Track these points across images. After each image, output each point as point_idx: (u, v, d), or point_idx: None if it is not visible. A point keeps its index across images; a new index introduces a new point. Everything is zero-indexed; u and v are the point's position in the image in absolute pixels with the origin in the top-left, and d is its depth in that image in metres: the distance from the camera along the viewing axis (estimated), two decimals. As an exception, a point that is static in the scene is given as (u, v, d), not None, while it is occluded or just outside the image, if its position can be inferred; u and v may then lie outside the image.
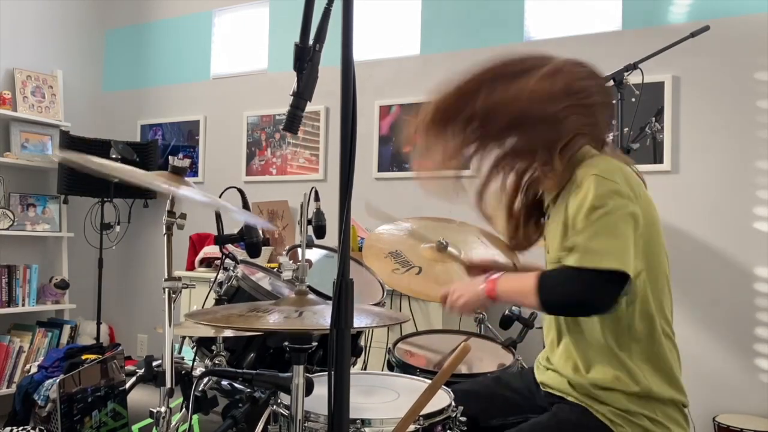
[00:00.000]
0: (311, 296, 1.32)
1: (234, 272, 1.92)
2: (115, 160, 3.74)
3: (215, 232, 1.77)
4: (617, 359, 1.40)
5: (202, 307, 2.28)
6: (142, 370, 1.44)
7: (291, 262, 2.07)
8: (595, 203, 1.32)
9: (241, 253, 2.10)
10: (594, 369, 1.43)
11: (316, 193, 2.04)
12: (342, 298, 0.96)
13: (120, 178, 1.26)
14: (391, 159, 3.50)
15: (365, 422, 1.30)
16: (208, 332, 1.80)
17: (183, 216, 1.43)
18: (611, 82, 2.40)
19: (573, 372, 1.46)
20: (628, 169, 1.42)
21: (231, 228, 1.69)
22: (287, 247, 2.37)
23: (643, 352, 1.41)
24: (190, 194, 1.36)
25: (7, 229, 3.76)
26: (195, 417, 1.66)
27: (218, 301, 1.90)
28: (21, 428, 2.67)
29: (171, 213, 1.40)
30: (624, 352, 1.40)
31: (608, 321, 1.40)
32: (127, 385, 1.80)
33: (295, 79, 1.08)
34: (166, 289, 1.37)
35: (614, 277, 1.28)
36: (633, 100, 2.55)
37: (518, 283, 1.43)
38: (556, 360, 1.52)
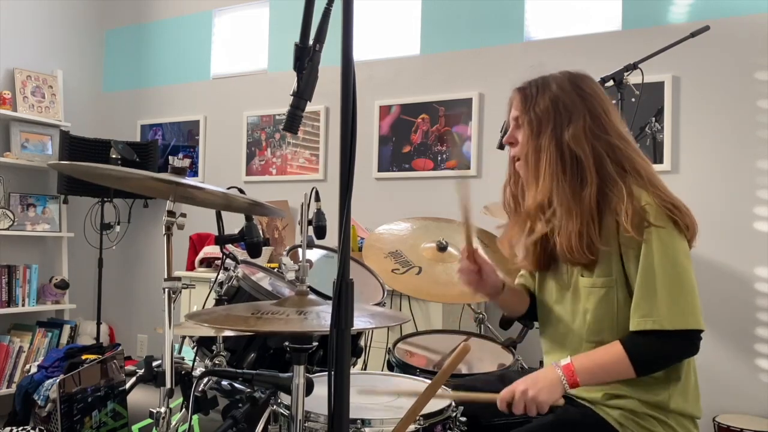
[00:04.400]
0: (312, 296, 1.32)
1: (234, 272, 1.92)
2: (115, 160, 3.74)
3: (215, 232, 1.77)
4: (637, 383, 1.41)
5: (203, 307, 2.28)
6: (142, 371, 1.44)
7: (292, 262, 2.07)
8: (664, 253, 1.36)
9: (241, 253, 2.11)
10: (612, 387, 1.43)
11: (317, 193, 2.04)
12: (342, 298, 0.95)
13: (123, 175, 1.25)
14: (391, 159, 3.50)
15: (365, 422, 1.30)
16: (208, 332, 1.80)
17: (183, 216, 1.43)
18: (611, 82, 2.40)
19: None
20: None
21: (231, 228, 1.69)
22: (288, 248, 2.37)
23: (667, 373, 1.41)
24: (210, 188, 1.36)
25: (7, 229, 3.76)
26: (195, 417, 1.66)
27: (218, 301, 1.90)
28: (21, 428, 2.67)
29: (171, 213, 1.40)
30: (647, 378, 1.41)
31: None
32: (127, 385, 1.80)
33: (295, 79, 1.08)
34: (166, 289, 1.37)
35: (697, 332, 1.37)
36: (633, 100, 2.54)
37: (603, 364, 1.40)
38: None
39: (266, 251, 3.26)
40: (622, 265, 1.43)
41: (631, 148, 1.48)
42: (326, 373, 0.98)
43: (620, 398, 1.42)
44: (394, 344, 2.13)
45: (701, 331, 1.37)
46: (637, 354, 1.37)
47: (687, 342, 1.37)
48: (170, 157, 1.48)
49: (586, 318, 1.48)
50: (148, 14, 4.44)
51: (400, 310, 2.76)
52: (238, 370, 1.47)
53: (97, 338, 3.98)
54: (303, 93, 1.08)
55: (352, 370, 1.69)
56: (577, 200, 1.44)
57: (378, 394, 1.50)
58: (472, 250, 1.59)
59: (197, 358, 1.94)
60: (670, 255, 1.36)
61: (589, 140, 1.44)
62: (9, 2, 3.96)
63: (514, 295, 1.72)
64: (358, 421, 1.29)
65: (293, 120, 1.09)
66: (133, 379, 1.69)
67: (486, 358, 2.08)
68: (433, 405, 1.35)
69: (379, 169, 3.52)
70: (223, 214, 1.69)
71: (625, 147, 1.48)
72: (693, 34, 2.44)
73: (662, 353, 1.38)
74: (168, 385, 1.33)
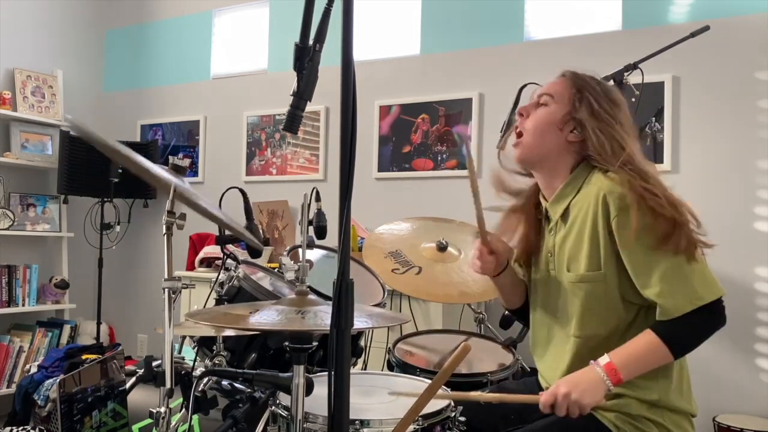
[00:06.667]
0: (312, 296, 1.32)
1: (235, 272, 1.92)
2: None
3: (216, 232, 1.77)
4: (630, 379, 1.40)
5: (204, 307, 2.28)
6: (142, 370, 1.43)
7: (292, 262, 2.07)
8: (660, 236, 1.37)
9: (241, 253, 2.11)
10: None
11: (317, 193, 2.04)
12: (342, 298, 0.95)
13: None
14: (391, 159, 3.50)
15: (364, 423, 1.30)
16: (208, 332, 1.80)
17: (183, 216, 1.43)
18: (611, 82, 2.40)
19: None
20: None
21: (231, 228, 1.69)
22: (288, 248, 2.37)
23: (659, 367, 1.41)
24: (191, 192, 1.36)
25: (7, 229, 3.76)
26: (195, 417, 1.66)
27: (219, 301, 1.90)
28: (21, 428, 2.67)
29: (171, 213, 1.40)
30: None
31: (619, 339, 1.42)
32: (127, 385, 1.80)
33: (295, 79, 1.08)
34: (166, 289, 1.36)
35: (721, 300, 1.40)
36: (633, 100, 2.54)
37: (641, 354, 1.39)
38: (564, 368, 1.51)
39: (266, 251, 3.26)
40: (614, 259, 1.43)
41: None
42: (326, 373, 0.98)
43: (615, 398, 1.42)
44: (394, 344, 2.13)
45: (722, 297, 1.39)
46: (673, 337, 1.37)
47: (716, 313, 1.38)
48: (170, 157, 1.48)
49: (572, 312, 1.49)
50: (148, 14, 4.44)
51: (400, 310, 2.76)
52: (238, 370, 1.47)
53: (97, 338, 3.98)
54: (303, 93, 1.08)
55: (352, 370, 1.69)
56: None
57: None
58: (485, 232, 1.59)
59: (197, 358, 1.94)
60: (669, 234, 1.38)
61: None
62: (9, 2, 3.96)
63: (515, 280, 1.71)
64: (357, 421, 1.29)
65: (293, 120, 1.09)
66: (133, 379, 1.69)
67: (486, 358, 2.08)
68: (432, 405, 1.35)
69: (379, 169, 3.52)
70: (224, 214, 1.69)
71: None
72: (693, 34, 2.44)
73: (697, 330, 1.38)
74: (168, 385, 1.33)
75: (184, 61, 4.28)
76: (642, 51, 2.45)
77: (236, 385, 1.75)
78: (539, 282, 1.62)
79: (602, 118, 1.47)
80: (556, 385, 1.39)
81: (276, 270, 2.23)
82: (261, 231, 1.75)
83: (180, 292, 1.39)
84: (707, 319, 1.38)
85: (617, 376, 1.36)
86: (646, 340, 1.38)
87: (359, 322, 1.19)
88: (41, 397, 2.87)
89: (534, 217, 1.63)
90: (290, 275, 1.90)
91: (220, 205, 1.73)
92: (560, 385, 1.37)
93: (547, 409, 1.38)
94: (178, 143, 4.24)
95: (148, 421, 1.34)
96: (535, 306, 1.64)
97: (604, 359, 1.38)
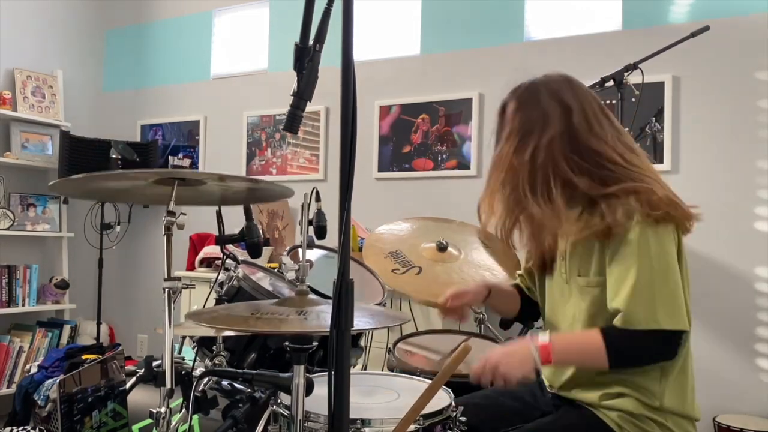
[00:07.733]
0: (312, 296, 1.32)
1: (235, 272, 1.92)
2: (116, 160, 3.74)
3: (215, 232, 1.77)
4: (633, 380, 1.40)
5: (203, 307, 2.28)
6: (142, 371, 1.43)
7: (292, 262, 2.07)
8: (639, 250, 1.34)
9: (241, 253, 2.11)
10: (610, 386, 1.43)
11: (317, 193, 2.04)
12: (342, 298, 0.95)
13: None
14: (391, 159, 3.50)
15: (365, 422, 1.30)
16: (208, 332, 1.80)
17: (183, 215, 1.43)
18: (611, 82, 2.40)
19: (586, 385, 1.46)
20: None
21: (231, 228, 1.69)
22: (288, 248, 2.37)
23: (663, 371, 1.41)
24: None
25: (7, 229, 3.76)
26: (195, 417, 1.66)
27: (219, 301, 1.90)
28: (21, 428, 2.67)
29: (171, 213, 1.40)
30: (643, 373, 1.41)
31: None
32: (127, 386, 1.80)
33: (295, 79, 1.08)
34: (166, 289, 1.36)
35: (679, 334, 1.35)
36: (633, 100, 2.54)
37: (579, 348, 1.41)
38: (571, 371, 1.51)
39: (266, 251, 3.26)
40: None
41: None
42: (326, 373, 0.98)
43: (618, 398, 1.42)
44: (394, 344, 2.13)
45: (684, 332, 1.36)
46: (617, 348, 1.36)
47: (668, 344, 1.36)
48: (170, 157, 1.48)
49: (580, 316, 1.48)
50: (148, 14, 4.44)
51: (400, 310, 2.76)
52: (238, 370, 1.47)
53: (97, 338, 3.98)
54: (303, 93, 1.08)
55: (353, 370, 1.69)
56: None
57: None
58: (447, 306, 1.73)
59: (197, 358, 1.94)
60: (654, 253, 1.35)
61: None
62: (9, 2, 3.96)
63: (503, 297, 1.76)
64: (358, 421, 1.29)
65: (293, 120, 1.09)
66: (133, 379, 1.69)
67: (486, 358, 2.07)
68: (433, 405, 1.35)
69: (379, 169, 3.52)
70: (224, 214, 1.69)
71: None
72: (693, 34, 2.44)
73: (643, 352, 1.37)
74: (168, 385, 1.33)
75: (184, 61, 4.28)
76: (642, 51, 2.46)
77: (236, 385, 1.75)
78: (552, 285, 1.61)
79: (535, 130, 1.47)
80: (489, 354, 1.40)
81: (276, 270, 2.23)
82: (261, 231, 1.75)
83: (180, 292, 1.39)
84: (657, 346, 1.36)
85: (549, 357, 1.37)
86: (591, 338, 1.38)
87: (360, 323, 1.19)
88: (41, 397, 2.87)
89: None
90: (290, 275, 1.89)
91: (219, 206, 1.73)
92: (492, 355, 1.39)
93: (477, 380, 1.40)
94: (178, 143, 4.23)
95: (148, 421, 1.34)
96: (546, 308, 1.64)
97: (544, 337, 1.40)
